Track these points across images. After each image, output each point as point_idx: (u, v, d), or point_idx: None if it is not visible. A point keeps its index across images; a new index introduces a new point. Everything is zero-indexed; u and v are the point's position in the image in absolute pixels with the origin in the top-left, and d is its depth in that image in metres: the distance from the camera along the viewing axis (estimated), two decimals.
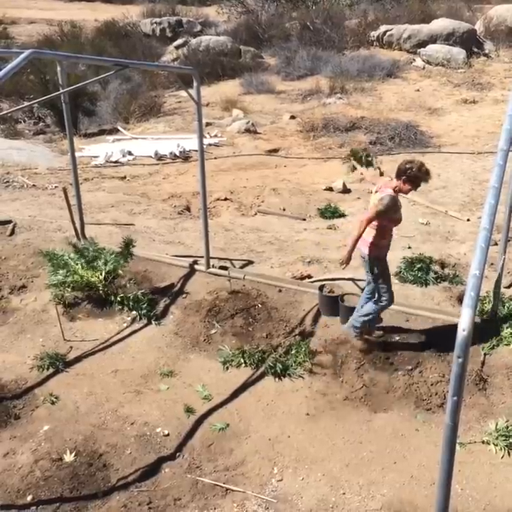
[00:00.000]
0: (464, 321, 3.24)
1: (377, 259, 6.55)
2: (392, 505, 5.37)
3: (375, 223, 6.37)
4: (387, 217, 6.35)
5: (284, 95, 17.50)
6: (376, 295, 6.75)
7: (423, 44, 19.96)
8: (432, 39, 20.09)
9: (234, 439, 6.03)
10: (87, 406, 6.41)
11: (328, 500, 5.42)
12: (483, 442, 6.01)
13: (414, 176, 6.23)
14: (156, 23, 26.58)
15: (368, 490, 5.51)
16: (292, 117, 15.33)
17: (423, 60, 19.31)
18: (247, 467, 5.74)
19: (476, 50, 20.26)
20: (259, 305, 7.81)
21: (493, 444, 5.96)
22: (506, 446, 5.92)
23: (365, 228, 6.35)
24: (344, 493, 5.48)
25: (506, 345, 7.02)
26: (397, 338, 7.24)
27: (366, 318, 6.86)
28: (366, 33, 21.43)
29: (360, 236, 6.36)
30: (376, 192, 6.49)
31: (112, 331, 7.51)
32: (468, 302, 3.30)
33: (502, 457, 5.85)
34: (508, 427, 6.08)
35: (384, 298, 6.69)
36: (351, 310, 7.38)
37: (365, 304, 6.89)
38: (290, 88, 18.01)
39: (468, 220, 10.13)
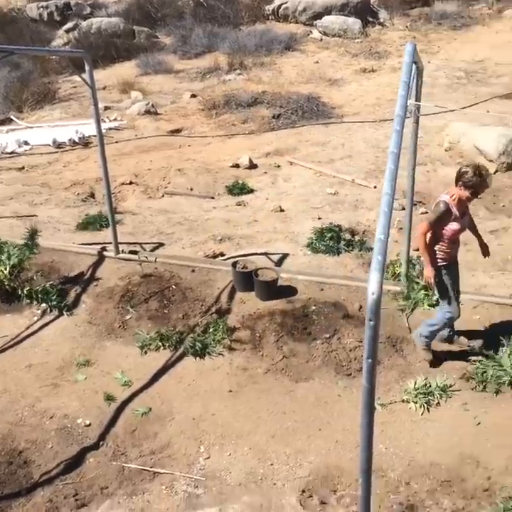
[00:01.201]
0: (373, 285, 3.25)
1: (440, 269, 6.18)
2: (320, 471, 5.43)
3: (435, 232, 6.08)
4: (443, 224, 6.02)
5: (183, 74, 17.26)
6: (443, 306, 6.38)
7: (319, 16, 20.06)
8: (327, 10, 20.22)
9: (157, 422, 5.96)
10: (2, 404, 6.18)
11: (256, 473, 5.44)
12: (403, 401, 6.15)
13: (469, 182, 5.84)
14: (42, 7, 25.54)
15: (296, 458, 5.55)
16: (193, 96, 15.13)
17: (320, 32, 19.42)
18: (173, 449, 5.69)
19: (371, 19, 20.51)
20: (173, 286, 7.71)
21: (413, 402, 6.11)
22: (425, 403, 6.09)
23: (425, 240, 6.03)
24: (272, 464, 5.51)
25: (422, 306, 7.25)
26: (314, 307, 7.29)
27: (432, 329, 6.43)
28: (261, 7, 21.34)
29: (425, 248, 6.04)
30: None
31: (22, 325, 7.25)
32: (375, 266, 3.32)
33: (422, 414, 6.01)
34: (426, 385, 6.25)
35: (448, 309, 6.28)
36: (267, 285, 7.39)
37: (434, 320, 6.50)
38: (188, 67, 17.78)
39: (375, 187, 10.27)
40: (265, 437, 5.77)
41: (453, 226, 6.03)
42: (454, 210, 5.97)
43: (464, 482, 5.31)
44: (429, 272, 6.06)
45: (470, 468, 5.44)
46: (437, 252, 6.11)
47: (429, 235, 6.04)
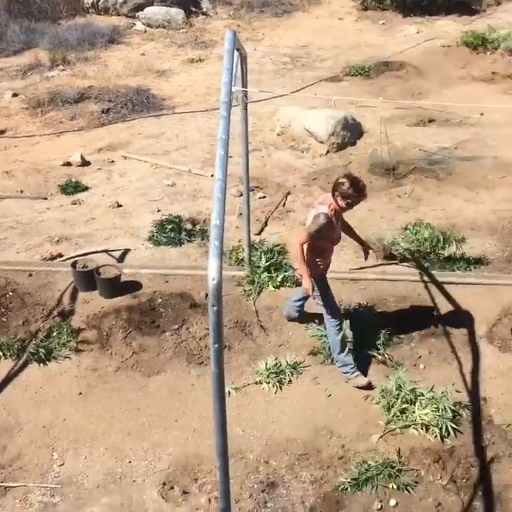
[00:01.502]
0: (212, 271, 3.32)
1: (317, 279, 6.05)
2: (179, 461, 5.43)
3: (313, 243, 5.90)
4: (322, 236, 5.87)
5: (2, 73, 16.32)
6: (325, 318, 6.21)
7: (140, 7, 19.72)
8: (149, 1, 19.91)
9: (5, 435, 5.69)
10: None
11: (115, 472, 5.35)
12: (256, 383, 6.26)
13: (346, 194, 5.68)
14: None
15: (154, 453, 5.51)
16: (15, 95, 14.42)
17: (143, 24, 19.12)
18: (24, 460, 5.47)
19: (194, 9, 20.46)
20: (10, 293, 7.34)
21: (266, 382, 6.24)
22: (278, 382, 6.23)
23: (303, 250, 5.86)
24: (130, 462, 5.44)
25: (267, 288, 7.36)
26: (160, 300, 7.22)
27: (343, 353, 6.17)
28: (80, 1, 20.69)
29: (303, 259, 5.87)
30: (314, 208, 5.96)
31: None
32: (213, 252, 3.38)
33: (275, 393, 6.15)
34: (276, 364, 6.39)
35: (332, 317, 6.12)
36: (109, 282, 7.23)
37: (331, 343, 6.26)
38: (7, 65, 16.88)
39: (212, 175, 10.30)
40: (121, 436, 5.68)
41: (333, 235, 5.99)
42: (334, 221, 5.88)
43: (320, 453, 5.50)
44: (308, 284, 5.95)
45: (324, 439, 5.64)
46: (318, 263, 6.02)
47: (306, 246, 5.91)
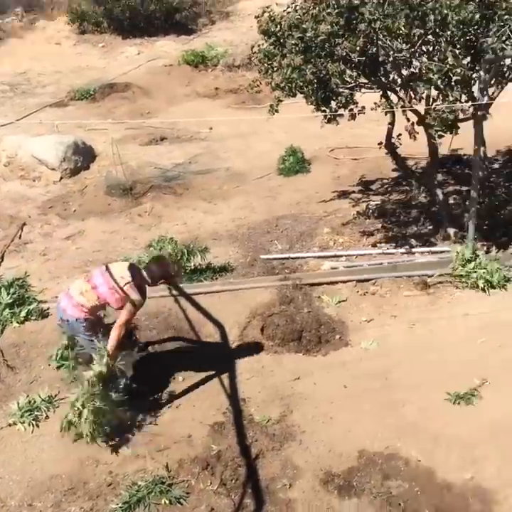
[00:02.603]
0: None
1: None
2: None
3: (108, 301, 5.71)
4: None
5: None
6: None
7: None
8: None
9: None
10: None
11: None
12: (10, 425, 5.92)
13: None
14: None
15: None
16: None
17: None
18: None
19: None
20: None
21: (20, 422, 5.91)
22: (33, 420, 5.93)
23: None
24: None
25: (10, 325, 7.02)
26: None
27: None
28: None
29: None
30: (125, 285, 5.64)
31: None
32: None
33: (32, 431, 5.86)
34: (30, 402, 6.07)
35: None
36: None
37: None
38: None
39: None
40: None
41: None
42: None
43: (87, 484, 5.31)
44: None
45: (91, 468, 5.46)
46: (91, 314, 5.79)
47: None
